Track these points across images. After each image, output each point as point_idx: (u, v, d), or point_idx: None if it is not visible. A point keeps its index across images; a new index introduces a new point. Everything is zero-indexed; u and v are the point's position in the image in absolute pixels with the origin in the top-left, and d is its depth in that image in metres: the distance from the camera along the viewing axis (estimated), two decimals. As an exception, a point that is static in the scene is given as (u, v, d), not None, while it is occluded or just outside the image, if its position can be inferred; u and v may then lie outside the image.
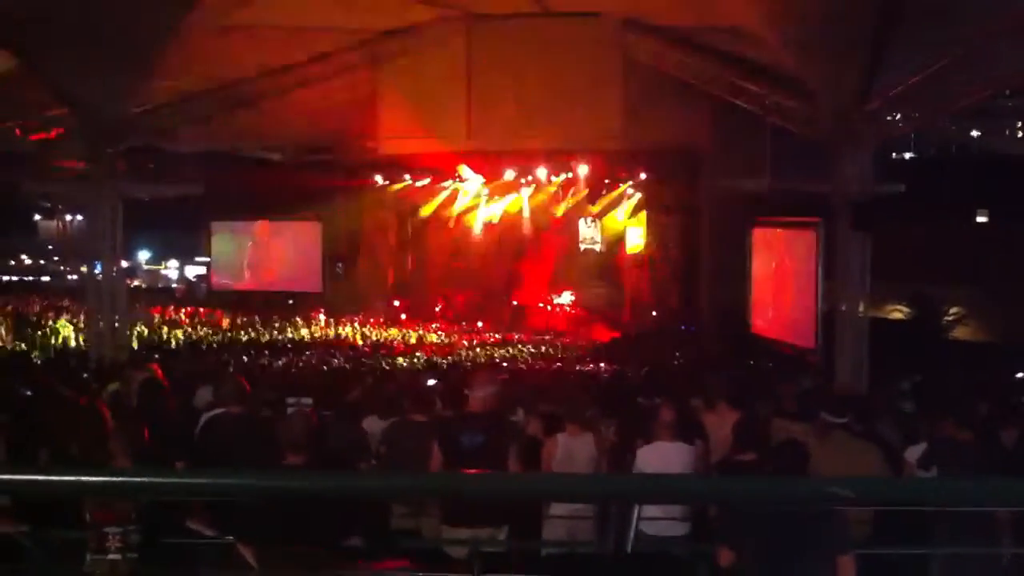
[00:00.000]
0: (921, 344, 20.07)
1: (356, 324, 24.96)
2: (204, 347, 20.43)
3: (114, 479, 2.48)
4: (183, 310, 26.75)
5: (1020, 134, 42.11)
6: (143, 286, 35.43)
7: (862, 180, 15.11)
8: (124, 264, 18.85)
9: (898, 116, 15.63)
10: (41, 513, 6.10)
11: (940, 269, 24.54)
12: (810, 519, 5.22)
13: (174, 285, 37.63)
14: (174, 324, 24.40)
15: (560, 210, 27.06)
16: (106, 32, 14.22)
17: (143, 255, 39.39)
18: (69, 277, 36.17)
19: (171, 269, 40.57)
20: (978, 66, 13.20)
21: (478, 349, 22.03)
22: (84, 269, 20.36)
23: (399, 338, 23.49)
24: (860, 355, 15.19)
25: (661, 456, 7.24)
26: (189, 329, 23.95)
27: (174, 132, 18.85)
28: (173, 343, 21.47)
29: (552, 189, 26.65)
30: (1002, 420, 7.84)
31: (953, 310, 24.83)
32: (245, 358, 18.88)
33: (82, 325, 20.13)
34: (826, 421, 7.23)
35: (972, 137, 37.45)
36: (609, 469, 7.68)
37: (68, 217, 39.87)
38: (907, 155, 34.24)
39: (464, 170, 25.28)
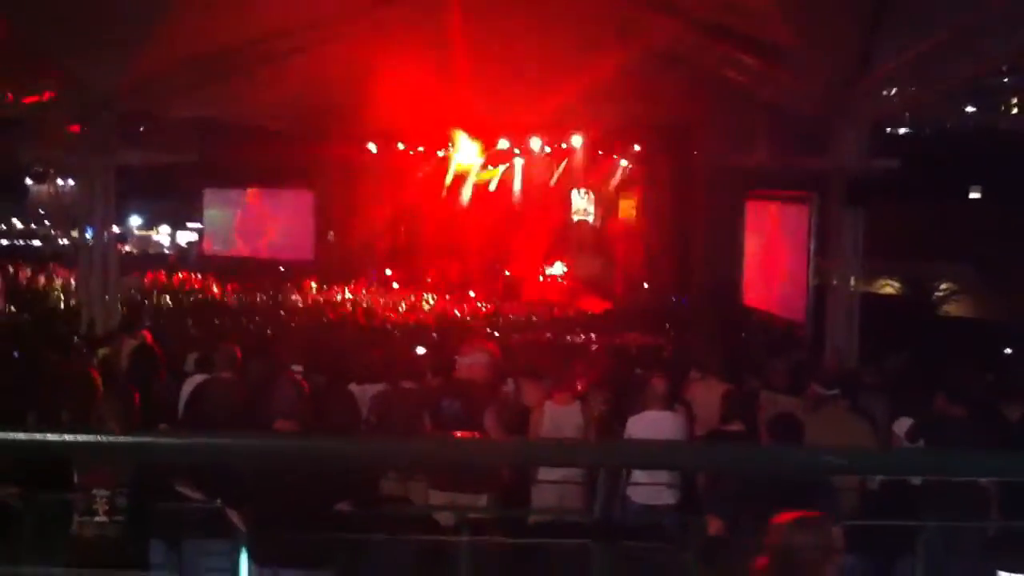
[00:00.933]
0: (912, 320, 20.12)
1: (348, 292, 24.92)
2: (196, 313, 20.43)
3: (105, 439, 2.46)
4: (175, 276, 26.70)
5: (1016, 111, 42.08)
6: (134, 252, 35.33)
7: (857, 155, 15.08)
8: (116, 230, 18.78)
9: (895, 91, 15.54)
10: (30, 476, 6.10)
11: (933, 245, 24.58)
12: (800, 489, 5.24)
13: (166, 251, 37.48)
14: (166, 289, 24.36)
15: (553, 180, 27.00)
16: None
17: (134, 220, 39.18)
18: (60, 242, 35.99)
19: (163, 235, 40.40)
20: (977, 42, 13.11)
21: (469, 319, 22.02)
22: (76, 234, 20.25)
23: (391, 306, 23.46)
24: (851, 330, 15.22)
25: (651, 426, 7.26)
26: (181, 295, 23.92)
27: (168, 98, 18.69)
28: (165, 309, 21.48)
29: (546, 160, 26.60)
30: (1004, 395, 7.81)
31: (944, 286, 24.88)
32: (236, 324, 18.89)
33: (73, 290, 20.09)
34: (817, 393, 7.26)
35: (967, 113, 37.39)
36: (598, 438, 7.70)
37: (60, 182, 39.63)
38: (902, 130, 34.15)
39: (458, 139, 25.19)
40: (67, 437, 2.27)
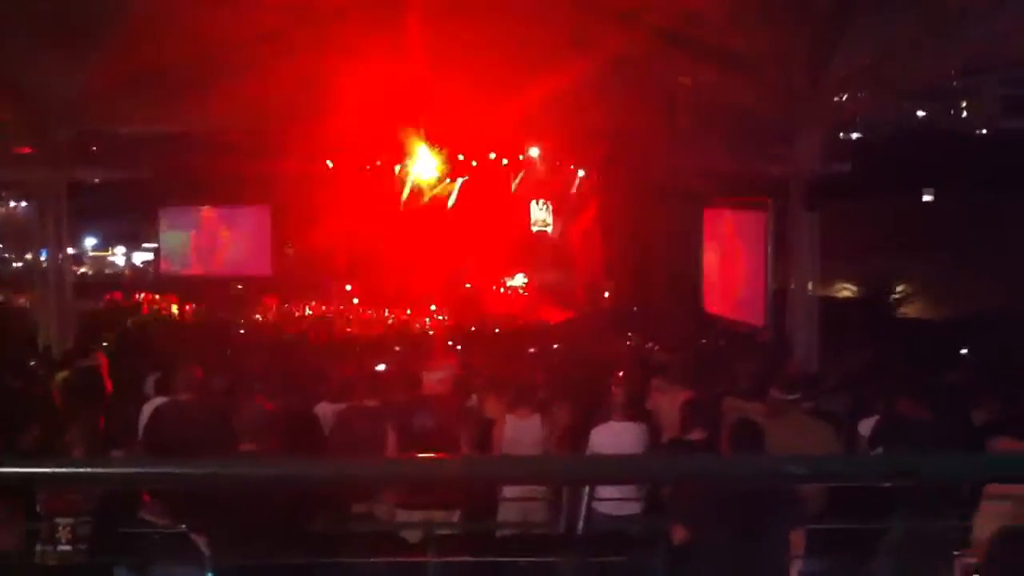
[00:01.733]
0: (871, 320, 20.31)
1: (308, 309, 24.81)
2: (154, 334, 20.25)
3: (67, 470, 2.43)
4: (132, 297, 26.45)
5: (965, 114, 42.71)
6: (90, 273, 34.96)
7: (815, 160, 15.22)
8: (70, 251, 18.57)
9: (848, 96, 15.72)
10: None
11: (887, 247, 24.87)
12: (763, 495, 5.27)
13: (126, 272, 37.11)
14: (123, 311, 24.12)
15: (512, 191, 27.02)
16: (49, 10, 13.94)
17: (89, 241, 38.74)
18: (14, 265, 35.53)
19: (118, 256, 39.94)
20: (932, 45, 13.28)
21: (431, 332, 21.98)
22: (30, 257, 20.01)
23: (352, 322, 23.38)
24: (811, 333, 15.34)
25: (613, 436, 7.27)
26: (138, 316, 23.71)
27: (122, 115, 18.50)
28: (123, 330, 21.27)
29: (503, 171, 26.60)
30: (971, 397, 7.84)
31: (899, 288, 25.17)
32: (196, 344, 18.73)
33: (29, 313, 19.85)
34: (777, 398, 7.29)
35: (918, 117, 37.93)
36: (562, 450, 7.70)
37: (12, 204, 39.13)
38: (855, 135, 34.61)
39: (417, 151, 25.15)
40: (36, 469, 2.25)
